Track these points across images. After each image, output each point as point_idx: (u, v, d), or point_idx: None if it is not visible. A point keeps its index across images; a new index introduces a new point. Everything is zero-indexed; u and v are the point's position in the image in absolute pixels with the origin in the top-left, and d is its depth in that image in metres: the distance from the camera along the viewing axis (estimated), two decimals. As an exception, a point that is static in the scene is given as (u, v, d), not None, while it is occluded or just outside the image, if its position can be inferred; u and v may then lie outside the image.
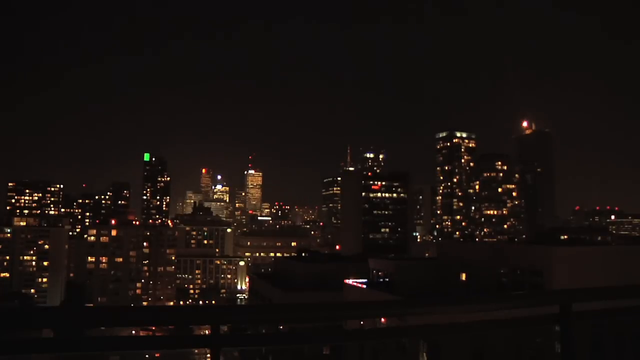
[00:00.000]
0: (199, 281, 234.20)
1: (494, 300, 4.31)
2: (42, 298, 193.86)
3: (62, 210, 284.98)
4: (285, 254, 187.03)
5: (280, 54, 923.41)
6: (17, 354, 3.02)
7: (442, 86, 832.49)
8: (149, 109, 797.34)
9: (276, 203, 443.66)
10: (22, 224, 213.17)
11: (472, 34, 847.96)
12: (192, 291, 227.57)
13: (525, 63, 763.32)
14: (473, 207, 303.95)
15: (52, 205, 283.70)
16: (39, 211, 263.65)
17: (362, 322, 3.98)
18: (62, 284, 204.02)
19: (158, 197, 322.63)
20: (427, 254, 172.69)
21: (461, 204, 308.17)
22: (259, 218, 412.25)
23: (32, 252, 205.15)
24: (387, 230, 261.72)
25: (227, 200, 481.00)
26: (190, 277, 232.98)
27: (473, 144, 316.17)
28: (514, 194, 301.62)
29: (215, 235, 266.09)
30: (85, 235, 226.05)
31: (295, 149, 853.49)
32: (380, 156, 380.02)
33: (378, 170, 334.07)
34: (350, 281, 66.03)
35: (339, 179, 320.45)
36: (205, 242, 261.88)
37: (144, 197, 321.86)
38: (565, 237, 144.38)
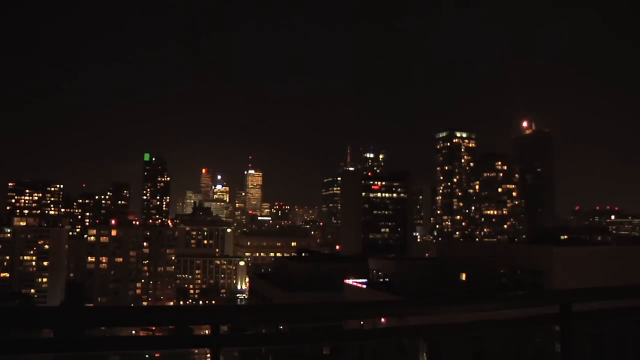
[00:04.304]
0: (199, 281, 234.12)
1: (494, 300, 4.31)
2: (42, 298, 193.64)
3: (62, 210, 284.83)
4: (285, 254, 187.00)
5: (280, 54, 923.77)
6: (17, 354, 3.02)
7: (443, 86, 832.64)
8: (149, 109, 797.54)
9: (276, 203, 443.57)
10: (22, 224, 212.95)
11: (472, 34, 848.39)
12: (192, 291, 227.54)
13: (525, 62, 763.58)
14: (473, 207, 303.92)
15: (52, 205, 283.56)
16: (39, 211, 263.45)
17: (362, 322, 3.99)
18: (62, 284, 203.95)
19: (158, 197, 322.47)
20: (427, 254, 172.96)
21: (461, 204, 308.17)
22: (259, 218, 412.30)
23: (32, 252, 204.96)
24: (387, 230, 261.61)
25: (227, 200, 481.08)
26: (190, 277, 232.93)
27: (473, 144, 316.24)
28: (514, 194, 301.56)
29: (215, 235, 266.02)
30: (85, 235, 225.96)
31: (295, 149, 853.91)
32: (380, 156, 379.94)
33: (378, 170, 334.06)
34: (350, 281, 66.03)
35: (339, 179, 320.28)
36: (205, 242, 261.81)
37: (144, 197, 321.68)
38: (565, 237, 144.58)
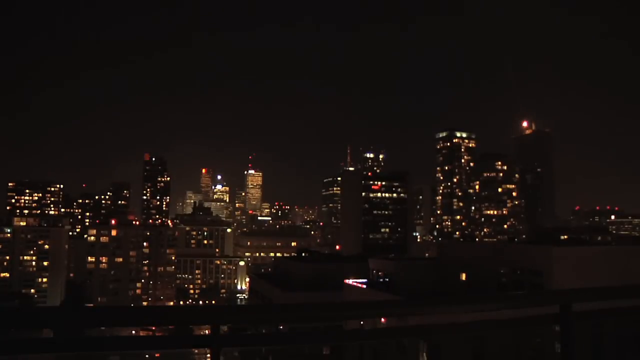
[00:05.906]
0: (199, 281, 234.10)
1: (494, 300, 4.31)
2: (42, 298, 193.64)
3: (62, 210, 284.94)
4: (285, 254, 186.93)
5: (281, 54, 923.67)
6: (17, 354, 3.02)
7: (443, 86, 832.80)
8: (149, 109, 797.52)
9: (276, 203, 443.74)
10: (22, 224, 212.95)
11: (473, 34, 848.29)
12: (192, 291, 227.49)
13: (525, 63, 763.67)
14: (473, 207, 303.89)
15: (52, 205, 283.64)
16: (39, 211, 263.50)
17: (362, 322, 3.99)
18: (62, 284, 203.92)
19: (158, 197, 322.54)
20: (427, 254, 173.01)
21: (461, 204, 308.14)
22: (259, 218, 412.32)
23: (32, 252, 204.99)
24: (387, 230, 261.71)
25: (227, 200, 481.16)
26: (190, 277, 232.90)
27: (473, 144, 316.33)
28: (514, 194, 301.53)
29: (215, 235, 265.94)
30: (85, 235, 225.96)
31: (295, 149, 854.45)
32: (380, 156, 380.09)
33: (378, 170, 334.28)
34: (350, 281, 65.94)
35: (339, 179, 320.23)
36: (205, 242, 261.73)
37: (144, 197, 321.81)
38: (565, 237, 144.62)
